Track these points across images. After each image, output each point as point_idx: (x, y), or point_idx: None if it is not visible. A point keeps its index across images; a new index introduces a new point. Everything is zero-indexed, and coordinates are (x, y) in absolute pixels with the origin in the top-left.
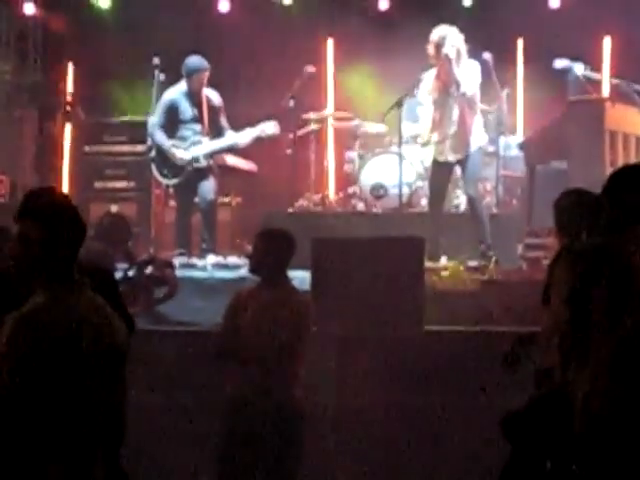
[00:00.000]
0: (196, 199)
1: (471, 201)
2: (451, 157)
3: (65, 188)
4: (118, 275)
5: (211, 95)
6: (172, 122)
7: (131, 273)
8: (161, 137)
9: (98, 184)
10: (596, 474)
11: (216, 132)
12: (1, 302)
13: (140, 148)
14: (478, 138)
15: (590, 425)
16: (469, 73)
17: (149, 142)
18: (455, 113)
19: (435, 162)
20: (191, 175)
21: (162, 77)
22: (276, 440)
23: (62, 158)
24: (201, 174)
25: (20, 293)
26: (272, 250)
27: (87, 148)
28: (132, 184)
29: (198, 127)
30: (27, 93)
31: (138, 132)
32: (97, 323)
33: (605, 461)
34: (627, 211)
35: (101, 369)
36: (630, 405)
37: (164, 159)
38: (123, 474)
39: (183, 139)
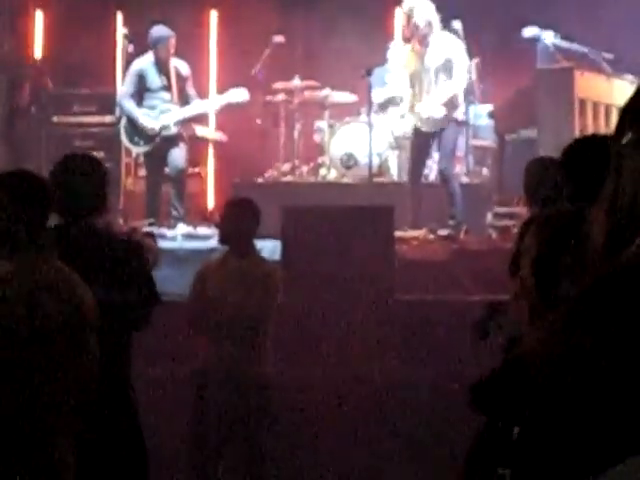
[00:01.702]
0: (166, 169)
1: (444, 176)
2: (425, 128)
3: (34, 159)
4: None
5: (179, 65)
6: (141, 91)
7: None
8: (130, 106)
9: None
10: (558, 435)
11: (184, 101)
12: None
13: (109, 119)
14: (453, 111)
15: (549, 384)
16: (442, 44)
17: (118, 112)
18: (428, 84)
19: (416, 131)
20: (161, 143)
21: (131, 48)
22: (245, 410)
23: (31, 129)
24: (171, 142)
25: None
26: (238, 219)
27: (56, 119)
28: (101, 155)
29: (167, 95)
30: None
31: (107, 103)
32: (58, 292)
33: (566, 420)
34: (582, 184)
35: (62, 335)
36: (582, 354)
37: (134, 127)
38: (142, 448)
39: (152, 108)
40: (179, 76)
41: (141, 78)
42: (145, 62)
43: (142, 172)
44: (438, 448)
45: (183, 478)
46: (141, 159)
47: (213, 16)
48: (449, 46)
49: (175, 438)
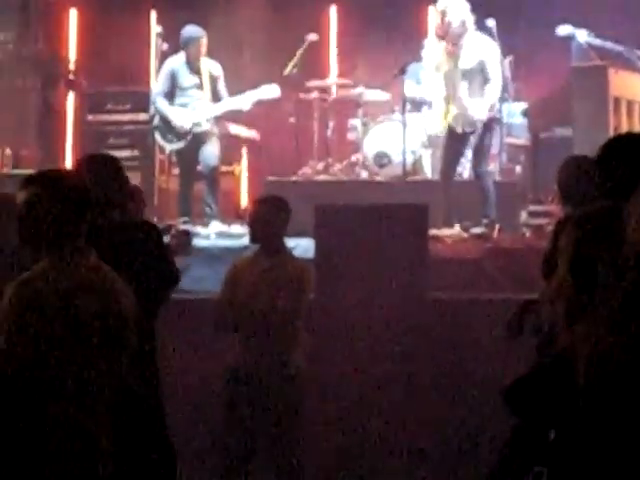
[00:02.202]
0: (199, 167)
1: (478, 174)
2: (459, 129)
3: (68, 158)
4: None
5: (211, 65)
6: (173, 90)
7: None
8: (163, 104)
9: None
10: (601, 432)
11: (217, 100)
12: (5, 271)
13: (143, 117)
14: (487, 110)
15: (594, 381)
16: (475, 44)
17: (151, 111)
18: (464, 85)
19: (450, 132)
20: (193, 140)
21: (165, 46)
22: (277, 408)
23: (65, 128)
24: (203, 139)
25: (24, 260)
26: (268, 218)
27: (90, 117)
28: (135, 153)
29: (199, 94)
30: (29, 63)
31: (141, 100)
32: (96, 289)
33: (612, 417)
34: (617, 182)
35: (100, 334)
36: (635, 358)
37: (167, 125)
38: (169, 449)
39: (184, 105)
40: (211, 76)
41: (173, 77)
42: (177, 61)
43: (176, 170)
44: (473, 448)
45: (213, 474)
46: (174, 157)
47: (247, 15)
48: (483, 47)
49: (206, 434)
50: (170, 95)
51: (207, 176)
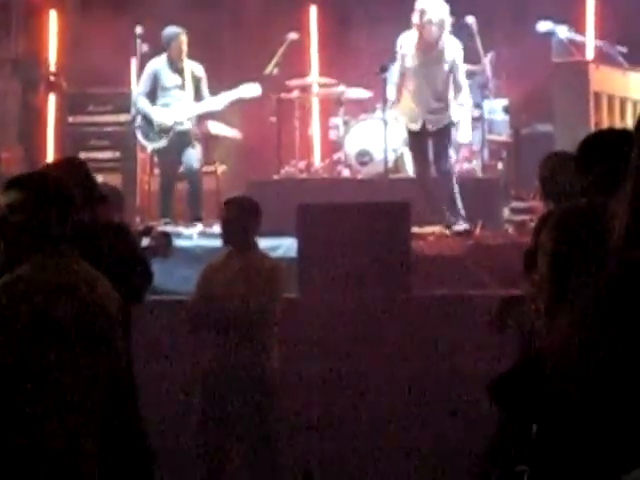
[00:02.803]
0: (181, 169)
1: (443, 175)
2: (417, 126)
3: (50, 159)
4: None
5: (194, 66)
6: (155, 90)
7: None
8: (144, 103)
9: (83, 155)
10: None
11: (199, 100)
12: None
13: (124, 118)
14: (455, 112)
15: (567, 374)
16: (449, 46)
17: (133, 111)
18: (433, 82)
19: (410, 132)
20: (175, 139)
21: (145, 47)
22: (250, 406)
23: (46, 129)
24: (185, 139)
25: (7, 263)
26: (236, 218)
27: (71, 119)
28: (117, 154)
29: (181, 94)
30: (10, 65)
31: (122, 102)
32: (77, 292)
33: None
34: (597, 178)
35: (81, 336)
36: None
37: (148, 123)
38: (147, 452)
39: (166, 105)
40: (194, 76)
41: (155, 77)
42: (159, 62)
43: (158, 171)
44: (458, 444)
45: (189, 477)
46: (156, 157)
47: (228, 14)
48: (455, 50)
49: (181, 436)
50: (152, 95)
51: (190, 179)
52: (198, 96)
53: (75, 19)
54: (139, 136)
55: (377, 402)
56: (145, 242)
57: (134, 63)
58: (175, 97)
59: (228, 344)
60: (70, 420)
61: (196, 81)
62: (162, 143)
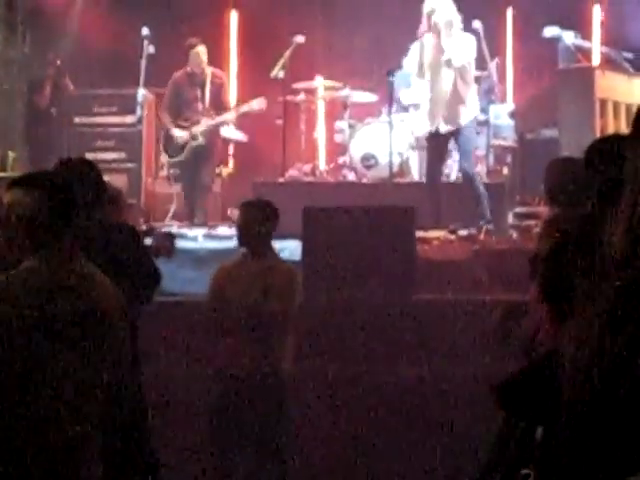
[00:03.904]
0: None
1: (466, 176)
2: (443, 128)
3: (56, 160)
4: None
5: (215, 74)
6: (177, 102)
7: None
8: (165, 118)
9: (88, 155)
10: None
11: (218, 109)
12: None
13: (129, 119)
14: (471, 110)
15: (580, 379)
16: (462, 45)
17: (138, 113)
18: (447, 84)
19: (433, 132)
20: (191, 153)
21: (151, 49)
22: (263, 408)
23: (52, 130)
24: (201, 155)
25: (9, 261)
26: (255, 221)
27: (77, 119)
28: (122, 155)
29: (199, 106)
30: (16, 66)
31: (127, 103)
32: (75, 290)
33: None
34: (604, 184)
35: (76, 334)
36: (623, 355)
37: (169, 139)
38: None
39: (186, 120)
40: (214, 84)
41: (177, 90)
42: (181, 74)
43: (162, 173)
44: (461, 447)
45: (202, 477)
46: (161, 160)
47: (233, 17)
48: (468, 48)
49: (195, 437)
50: (174, 108)
51: (200, 190)
52: (218, 105)
53: (82, 19)
54: (162, 150)
55: (380, 403)
56: (148, 242)
57: (141, 64)
58: (194, 110)
59: (242, 348)
60: (67, 417)
61: (216, 89)
62: (180, 158)
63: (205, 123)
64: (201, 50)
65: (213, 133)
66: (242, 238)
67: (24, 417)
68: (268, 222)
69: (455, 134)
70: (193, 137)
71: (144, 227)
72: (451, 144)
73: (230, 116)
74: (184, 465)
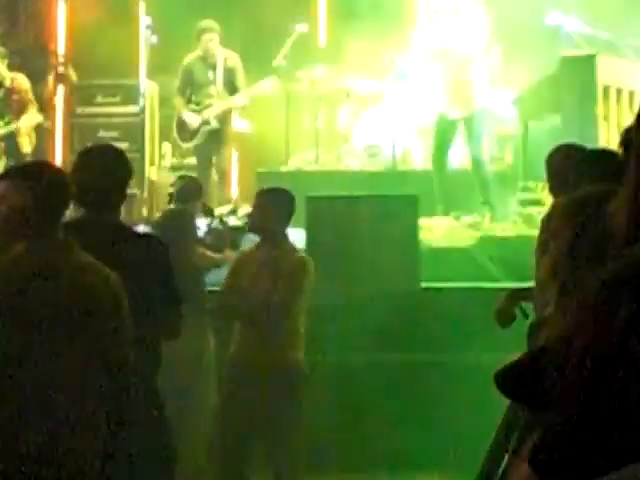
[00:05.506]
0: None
1: (475, 162)
2: (452, 114)
3: (58, 151)
4: (203, 229)
5: (228, 56)
6: (189, 87)
7: (214, 225)
8: (178, 102)
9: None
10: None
11: (231, 93)
12: None
13: (132, 109)
14: (481, 96)
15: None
16: (471, 29)
17: (141, 103)
18: (456, 69)
19: (439, 117)
20: (206, 138)
21: (154, 39)
22: (274, 395)
23: (54, 121)
24: (215, 137)
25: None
26: (273, 208)
27: (79, 110)
28: (125, 145)
29: (212, 90)
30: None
31: (130, 93)
32: (59, 278)
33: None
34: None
35: (65, 322)
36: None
37: (181, 123)
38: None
39: (198, 104)
40: (227, 68)
41: (189, 74)
42: (193, 57)
43: (164, 163)
44: (468, 433)
45: (212, 463)
46: (164, 149)
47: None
48: (478, 32)
49: (204, 424)
50: (186, 92)
51: (219, 177)
52: (231, 88)
53: (84, 9)
54: (175, 135)
55: (386, 391)
56: (232, 221)
57: (142, 53)
58: (206, 94)
59: (251, 335)
60: (52, 405)
61: (229, 72)
62: (192, 143)
63: (218, 106)
64: (215, 34)
65: (227, 116)
66: (253, 225)
67: (8, 402)
68: (285, 210)
69: (465, 120)
70: (206, 121)
71: (226, 208)
72: (459, 130)
73: (242, 98)
74: (194, 451)
